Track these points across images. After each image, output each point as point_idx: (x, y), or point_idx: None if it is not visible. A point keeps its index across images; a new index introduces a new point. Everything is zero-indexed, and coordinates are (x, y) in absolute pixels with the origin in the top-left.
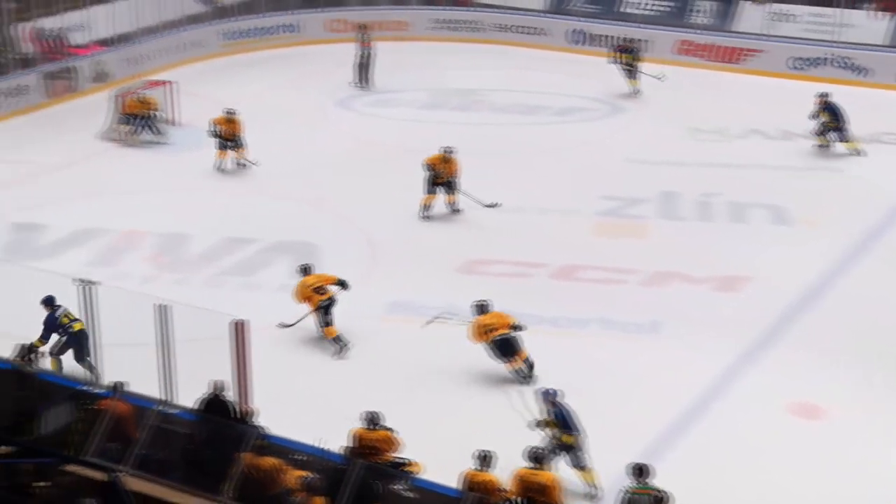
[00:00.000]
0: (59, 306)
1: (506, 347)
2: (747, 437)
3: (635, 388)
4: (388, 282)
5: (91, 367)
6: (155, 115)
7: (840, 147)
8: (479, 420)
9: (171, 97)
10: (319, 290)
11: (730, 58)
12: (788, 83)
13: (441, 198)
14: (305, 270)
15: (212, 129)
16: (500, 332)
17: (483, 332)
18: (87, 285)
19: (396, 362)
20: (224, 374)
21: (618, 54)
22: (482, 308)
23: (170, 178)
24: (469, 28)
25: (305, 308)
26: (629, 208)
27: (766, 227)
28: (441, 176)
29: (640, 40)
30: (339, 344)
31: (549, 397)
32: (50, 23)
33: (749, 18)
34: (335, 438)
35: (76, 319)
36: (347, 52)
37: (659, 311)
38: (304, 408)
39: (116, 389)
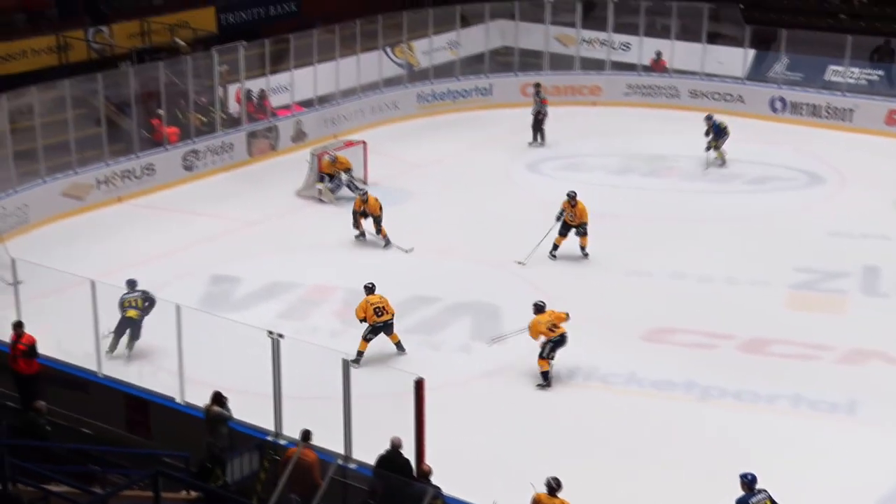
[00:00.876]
0: (131, 291)
1: (563, 343)
2: None
3: (828, 470)
4: (571, 346)
5: (131, 349)
6: (350, 174)
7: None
8: (660, 486)
9: (363, 156)
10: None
11: None
12: None
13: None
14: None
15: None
16: (560, 331)
17: (545, 329)
18: (276, 337)
19: (578, 427)
20: (402, 431)
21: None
22: (540, 308)
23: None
24: (664, 94)
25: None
26: (827, 282)
27: None
28: (571, 219)
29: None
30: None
31: (747, 481)
32: (256, 84)
33: None
34: (511, 502)
35: (133, 307)
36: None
37: (856, 391)
38: (480, 469)
39: (306, 438)
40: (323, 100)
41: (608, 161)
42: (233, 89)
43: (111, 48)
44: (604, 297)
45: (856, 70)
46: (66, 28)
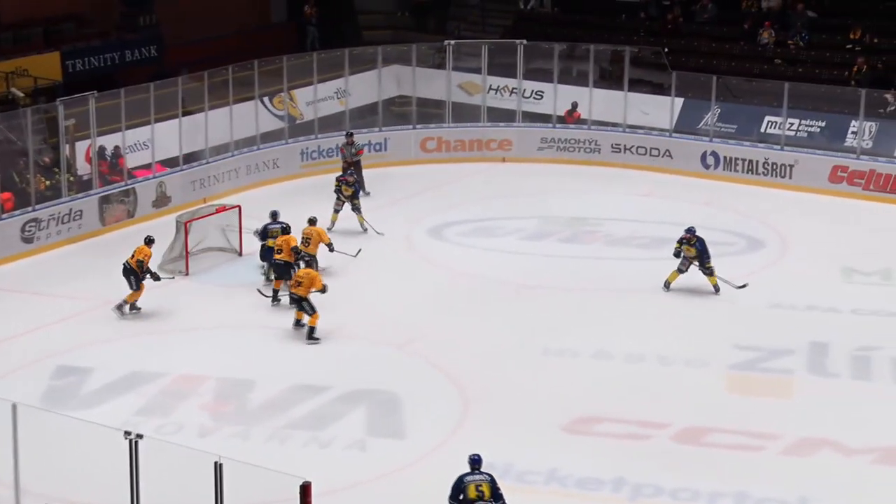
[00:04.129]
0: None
1: None
2: None
3: None
4: (481, 441)
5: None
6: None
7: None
8: None
9: (238, 223)
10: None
11: (893, 187)
12: None
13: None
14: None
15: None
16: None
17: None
18: (134, 438)
19: None
20: None
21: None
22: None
23: (234, 314)
24: (583, 148)
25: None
26: (770, 361)
27: None
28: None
29: None
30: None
31: (471, 461)
32: (110, 141)
33: None
34: None
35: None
36: (444, 174)
37: (805, 485)
38: None
39: None
40: (189, 158)
41: (522, 224)
42: (82, 147)
43: None
44: (519, 381)
45: (795, 121)
46: None
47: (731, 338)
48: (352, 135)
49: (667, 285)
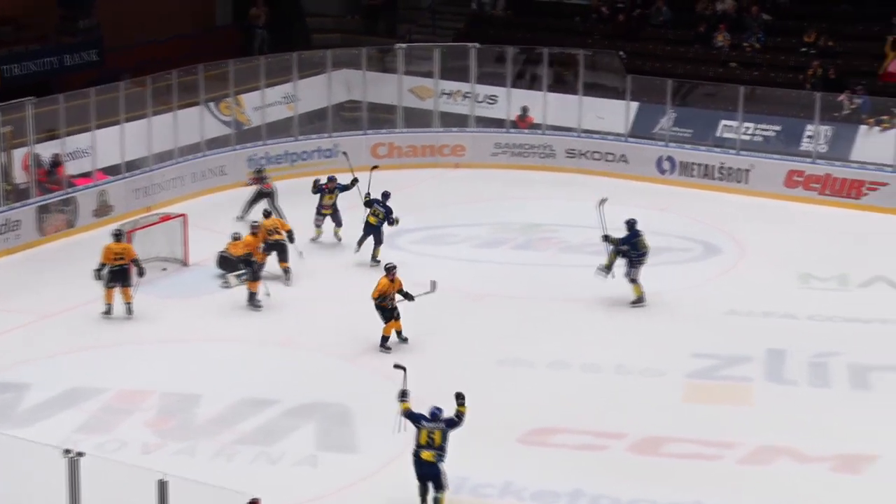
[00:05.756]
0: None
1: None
2: None
3: None
4: None
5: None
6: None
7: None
8: None
9: (182, 233)
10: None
11: (849, 192)
12: None
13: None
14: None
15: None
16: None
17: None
18: (74, 457)
19: None
20: None
21: None
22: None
23: (179, 326)
24: (537, 154)
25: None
26: (727, 368)
27: (894, 395)
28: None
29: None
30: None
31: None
32: (48, 148)
33: (873, 146)
34: None
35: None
36: (396, 180)
37: (765, 495)
38: None
39: None
40: (132, 166)
41: (476, 232)
42: (19, 154)
43: None
44: (473, 392)
45: (750, 125)
46: None
47: (688, 346)
48: (261, 170)
49: (606, 268)
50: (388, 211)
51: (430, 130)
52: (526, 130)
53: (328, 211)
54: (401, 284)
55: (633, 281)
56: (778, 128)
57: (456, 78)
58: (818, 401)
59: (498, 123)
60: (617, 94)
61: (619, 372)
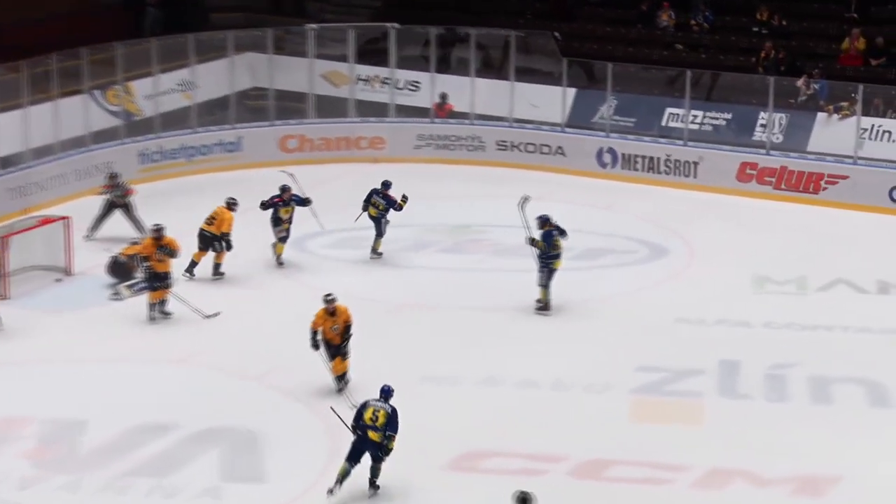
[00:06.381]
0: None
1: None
2: None
3: None
4: (353, 484)
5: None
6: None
7: None
8: None
9: (65, 237)
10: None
11: (807, 185)
12: (885, 218)
13: None
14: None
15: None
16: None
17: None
18: None
19: None
20: None
21: None
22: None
23: (63, 344)
24: (465, 146)
25: None
26: (677, 383)
27: (859, 410)
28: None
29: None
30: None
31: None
32: None
33: (833, 136)
34: None
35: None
36: (307, 177)
37: None
38: None
39: None
40: (7, 162)
41: (397, 233)
42: None
43: None
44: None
45: (698, 113)
46: None
47: (633, 358)
48: (115, 176)
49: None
50: (389, 201)
51: (345, 121)
52: (450, 120)
53: (287, 225)
54: (348, 320)
55: (544, 286)
56: (728, 116)
57: (373, 62)
58: (776, 417)
59: (421, 113)
60: (552, 79)
61: (557, 388)
